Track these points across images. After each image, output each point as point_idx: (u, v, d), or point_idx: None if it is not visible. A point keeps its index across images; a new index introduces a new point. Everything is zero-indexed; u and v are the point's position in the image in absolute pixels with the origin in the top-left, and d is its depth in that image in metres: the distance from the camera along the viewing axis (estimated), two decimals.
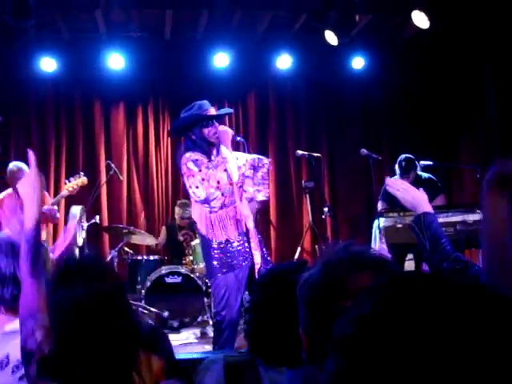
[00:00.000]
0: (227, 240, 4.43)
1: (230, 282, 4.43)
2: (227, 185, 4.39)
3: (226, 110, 4.86)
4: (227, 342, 4.34)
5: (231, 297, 4.41)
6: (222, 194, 4.36)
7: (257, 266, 4.45)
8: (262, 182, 4.72)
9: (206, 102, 4.67)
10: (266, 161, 4.77)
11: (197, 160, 4.41)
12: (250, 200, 4.67)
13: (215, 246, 4.44)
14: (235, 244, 4.45)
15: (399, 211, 6.09)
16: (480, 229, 1.79)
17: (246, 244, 4.49)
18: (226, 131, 4.56)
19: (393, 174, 6.64)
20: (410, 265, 6.25)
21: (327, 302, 1.22)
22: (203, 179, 4.32)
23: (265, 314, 1.69)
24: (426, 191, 7.68)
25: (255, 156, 4.76)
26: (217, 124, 4.57)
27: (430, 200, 7.53)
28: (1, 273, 2.34)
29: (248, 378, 1.71)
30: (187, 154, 4.45)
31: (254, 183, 4.66)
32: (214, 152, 4.56)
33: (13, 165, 6.24)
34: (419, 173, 6.85)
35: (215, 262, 4.43)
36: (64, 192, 5.99)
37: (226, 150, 4.51)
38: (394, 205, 6.47)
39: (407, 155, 6.75)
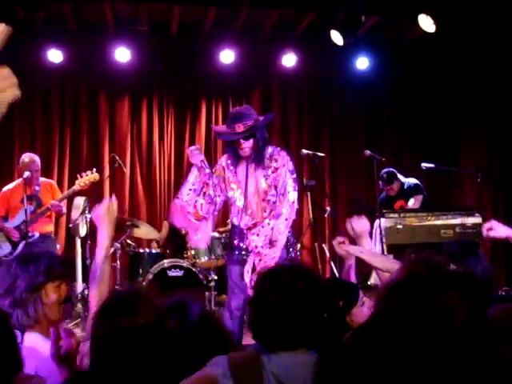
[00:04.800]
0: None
1: (233, 274, 4.63)
2: None
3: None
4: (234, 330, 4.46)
5: (234, 288, 4.60)
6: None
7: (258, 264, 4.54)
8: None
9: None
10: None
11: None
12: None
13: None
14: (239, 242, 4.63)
15: (400, 212, 6.18)
16: None
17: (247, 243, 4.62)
18: None
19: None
20: None
21: (417, 315, 1.28)
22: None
23: (266, 305, 1.91)
24: (411, 195, 7.94)
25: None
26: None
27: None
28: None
29: (251, 368, 1.85)
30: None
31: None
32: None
33: (25, 155, 6.35)
34: (402, 180, 7.25)
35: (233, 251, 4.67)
36: (76, 187, 6.06)
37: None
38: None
39: (387, 169, 7.17)
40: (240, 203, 4.59)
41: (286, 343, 1.88)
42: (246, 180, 4.58)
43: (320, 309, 1.96)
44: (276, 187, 4.52)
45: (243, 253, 4.57)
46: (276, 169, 4.53)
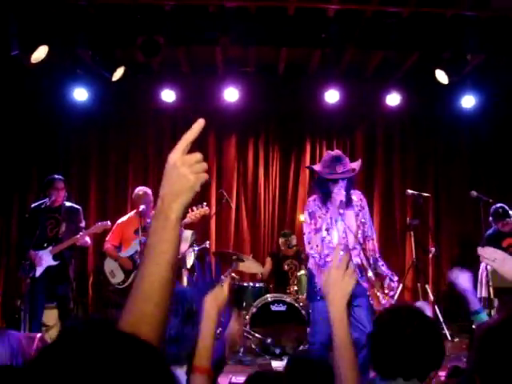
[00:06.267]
0: None
1: (324, 309, 4.72)
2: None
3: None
4: None
5: (324, 322, 4.70)
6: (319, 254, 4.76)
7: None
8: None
9: None
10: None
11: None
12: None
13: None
14: None
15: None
16: None
17: None
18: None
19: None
20: None
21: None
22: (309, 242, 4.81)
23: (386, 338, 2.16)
24: None
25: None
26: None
27: None
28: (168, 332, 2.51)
29: None
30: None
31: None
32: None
33: (139, 189, 6.79)
34: None
35: (315, 289, 4.78)
36: (187, 220, 6.34)
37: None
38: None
39: (500, 204, 6.95)
40: (335, 240, 4.76)
41: (402, 371, 2.10)
42: (342, 218, 4.80)
43: (432, 345, 2.14)
44: (364, 224, 4.85)
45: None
46: (362, 208, 4.89)
